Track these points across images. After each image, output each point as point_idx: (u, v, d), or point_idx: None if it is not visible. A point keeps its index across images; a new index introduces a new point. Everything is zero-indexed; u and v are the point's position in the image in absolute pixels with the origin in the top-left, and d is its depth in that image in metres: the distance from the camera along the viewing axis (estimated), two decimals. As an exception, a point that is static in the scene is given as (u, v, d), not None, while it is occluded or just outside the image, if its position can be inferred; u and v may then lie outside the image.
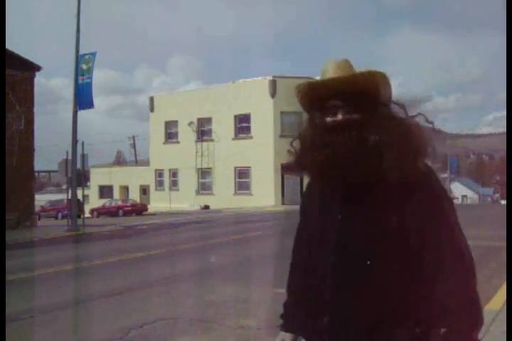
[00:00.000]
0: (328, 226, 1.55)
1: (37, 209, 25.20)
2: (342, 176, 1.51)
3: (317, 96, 1.57)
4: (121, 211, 30.93)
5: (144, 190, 38.04)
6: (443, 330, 1.39)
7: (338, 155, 1.49)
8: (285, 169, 1.70)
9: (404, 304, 1.45)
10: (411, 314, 1.46)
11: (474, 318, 1.42)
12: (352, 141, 1.49)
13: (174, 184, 35.29)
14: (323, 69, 1.58)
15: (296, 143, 1.63)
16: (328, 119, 1.55)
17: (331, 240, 1.53)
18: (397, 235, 1.47)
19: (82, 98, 17.65)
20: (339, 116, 1.53)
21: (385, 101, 1.56)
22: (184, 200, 33.14)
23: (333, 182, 1.56)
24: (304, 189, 1.78)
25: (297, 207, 1.81)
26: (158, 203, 34.42)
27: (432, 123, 1.61)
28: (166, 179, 35.95)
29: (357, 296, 1.47)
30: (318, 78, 1.60)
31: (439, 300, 1.41)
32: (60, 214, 31.76)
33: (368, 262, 1.47)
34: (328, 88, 1.53)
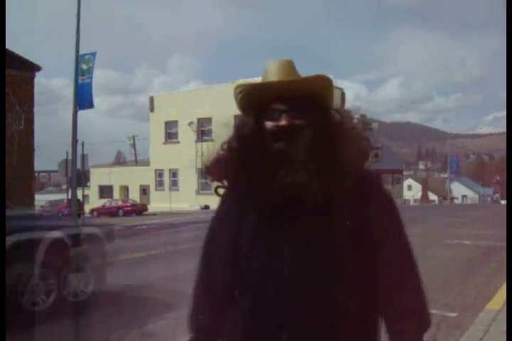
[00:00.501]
0: (273, 240, 1.40)
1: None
2: (283, 186, 1.36)
3: (260, 98, 1.45)
4: (121, 211, 30.95)
5: (144, 190, 38.06)
6: (397, 331, 1.40)
7: (281, 163, 1.36)
8: (205, 173, 1.55)
9: (361, 314, 1.41)
10: (368, 322, 1.44)
11: (426, 322, 1.43)
12: (295, 147, 1.38)
13: (174, 184, 35.31)
14: (265, 70, 1.48)
15: (225, 147, 1.49)
16: (269, 124, 1.43)
17: (280, 255, 1.37)
18: (351, 246, 1.39)
19: (82, 98, 17.66)
20: (283, 121, 1.41)
21: (329, 108, 1.49)
22: (184, 200, 33.15)
23: (273, 192, 1.38)
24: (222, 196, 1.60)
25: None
26: (158, 203, 34.43)
27: (369, 129, 1.54)
28: (166, 179, 35.97)
29: (314, 310, 1.36)
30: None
31: (395, 307, 1.40)
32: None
33: (323, 275, 1.37)
34: (274, 90, 1.42)
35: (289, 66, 1.47)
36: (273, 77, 1.44)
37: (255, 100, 1.46)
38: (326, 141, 1.39)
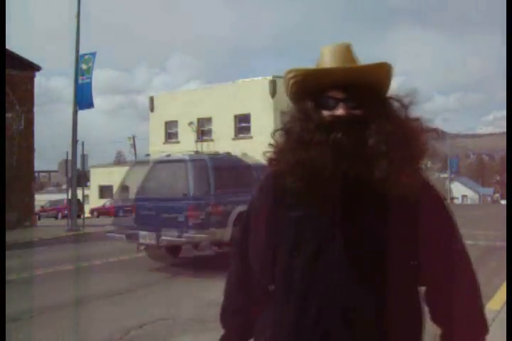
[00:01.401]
0: (322, 238, 1.32)
1: (37, 209, 25.20)
2: (339, 178, 1.28)
3: (315, 86, 1.35)
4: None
5: (144, 190, 37.98)
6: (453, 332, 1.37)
7: (337, 155, 1.27)
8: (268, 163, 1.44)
9: (410, 317, 1.36)
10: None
11: (485, 325, 1.40)
12: (353, 140, 1.28)
13: (174, 184, 35.25)
14: (321, 55, 1.38)
15: (279, 136, 1.41)
16: (326, 113, 1.34)
17: (330, 256, 1.30)
18: (407, 246, 1.32)
19: (82, 98, 17.65)
20: (340, 110, 1.32)
21: (389, 98, 1.39)
22: (184, 200, 33.09)
23: (326, 186, 1.28)
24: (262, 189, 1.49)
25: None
26: (158, 203, 34.35)
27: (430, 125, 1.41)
28: (166, 179, 35.91)
29: (367, 312, 1.29)
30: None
31: (453, 311, 1.36)
32: (60, 214, 31.76)
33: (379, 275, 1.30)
34: (331, 77, 1.32)
35: (348, 51, 1.37)
36: (330, 63, 1.34)
37: (311, 87, 1.36)
38: (397, 131, 1.30)
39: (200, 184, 7.92)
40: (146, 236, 8.04)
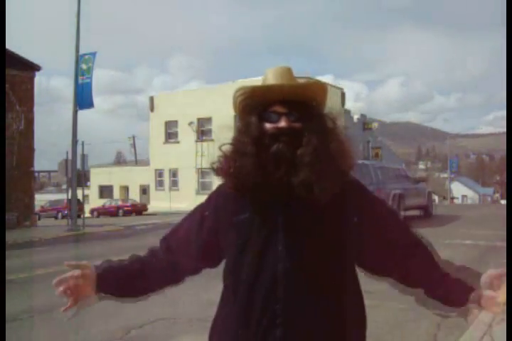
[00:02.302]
0: (267, 237, 1.43)
1: (37, 209, 25.22)
2: (280, 186, 1.43)
3: (260, 102, 1.51)
4: (121, 211, 30.95)
5: (144, 190, 38.03)
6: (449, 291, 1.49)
7: (280, 164, 1.42)
8: (216, 172, 1.58)
9: (354, 311, 1.50)
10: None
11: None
12: (291, 149, 1.43)
13: (174, 184, 35.29)
14: (265, 75, 1.55)
15: (226, 149, 1.54)
16: (269, 125, 1.49)
17: (275, 252, 1.41)
18: (345, 242, 1.47)
19: (82, 98, 17.66)
20: (282, 123, 1.47)
21: (323, 112, 1.56)
22: (184, 200, 33.11)
23: (269, 192, 1.44)
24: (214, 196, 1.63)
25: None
26: (158, 203, 34.41)
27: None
28: (166, 179, 35.95)
29: (310, 307, 1.39)
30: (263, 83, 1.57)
31: (432, 276, 1.54)
32: (60, 214, 31.78)
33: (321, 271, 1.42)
34: (274, 94, 1.49)
35: (288, 72, 1.55)
36: (274, 81, 1.52)
37: (256, 103, 1.52)
38: (325, 143, 1.46)
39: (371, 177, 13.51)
40: None
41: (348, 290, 1.45)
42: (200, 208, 1.63)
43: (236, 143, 1.52)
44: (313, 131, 1.46)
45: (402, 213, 14.24)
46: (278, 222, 1.44)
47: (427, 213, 16.79)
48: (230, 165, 1.49)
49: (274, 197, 1.44)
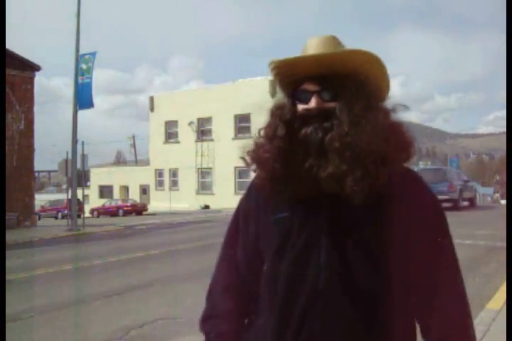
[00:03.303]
0: (307, 244, 1.21)
1: (37, 209, 25.20)
2: (311, 179, 1.19)
3: (291, 77, 1.27)
4: (121, 211, 30.93)
5: (144, 190, 38.02)
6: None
7: (309, 152, 1.19)
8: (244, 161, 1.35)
9: (400, 328, 1.23)
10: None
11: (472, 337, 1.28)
12: (323, 134, 1.19)
13: (174, 184, 35.27)
14: (304, 46, 1.28)
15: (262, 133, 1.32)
16: (301, 106, 1.25)
17: (316, 263, 1.20)
18: (394, 253, 1.21)
19: (82, 98, 17.65)
20: (312, 103, 1.23)
21: (374, 91, 1.26)
22: (184, 200, 33.12)
23: (303, 186, 1.21)
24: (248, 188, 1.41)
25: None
26: (158, 203, 34.39)
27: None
28: (166, 179, 35.93)
29: (350, 323, 1.18)
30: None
31: (443, 315, 1.24)
32: (60, 214, 31.76)
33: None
34: (305, 67, 1.23)
35: (330, 41, 1.27)
36: (309, 51, 1.26)
37: (288, 79, 1.29)
38: (362, 125, 1.18)
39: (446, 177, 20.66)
40: None
41: (395, 310, 1.20)
42: (240, 208, 1.42)
43: (267, 127, 1.29)
44: (349, 111, 1.19)
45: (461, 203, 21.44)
46: (321, 224, 1.21)
47: (472, 203, 23.84)
48: (259, 152, 1.27)
49: (312, 192, 1.20)
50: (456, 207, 21.06)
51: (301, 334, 1.18)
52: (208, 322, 1.41)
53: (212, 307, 1.41)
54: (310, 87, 1.24)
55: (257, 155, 1.28)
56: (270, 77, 1.34)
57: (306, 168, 1.18)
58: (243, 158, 1.32)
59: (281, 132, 1.23)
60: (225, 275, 1.42)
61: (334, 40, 1.28)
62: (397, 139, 1.22)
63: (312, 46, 1.26)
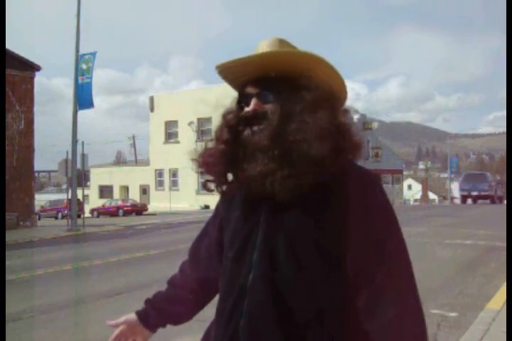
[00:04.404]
0: (245, 241, 1.24)
1: (37, 209, 25.20)
2: (249, 179, 1.21)
3: (238, 80, 1.29)
4: (121, 211, 30.93)
5: (144, 190, 38.03)
6: None
7: (245, 154, 1.21)
8: (196, 164, 1.44)
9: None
10: None
11: None
12: (257, 135, 1.19)
13: (174, 184, 35.28)
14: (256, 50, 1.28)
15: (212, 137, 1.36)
16: (246, 109, 1.27)
17: (249, 259, 1.21)
18: (323, 255, 1.16)
19: (82, 98, 17.65)
20: (250, 106, 1.24)
21: (321, 94, 1.21)
22: (184, 200, 33.13)
23: (244, 186, 1.24)
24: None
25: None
26: (158, 203, 34.41)
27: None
28: (166, 179, 35.94)
29: (268, 320, 1.17)
30: None
31: (390, 330, 1.14)
32: (60, 214, 31.77)
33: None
34: (248, 70, 1.23)
35: (275, 43, 1.27)
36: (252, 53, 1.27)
37: (236, 81, 1.31)
38: (293, 122, 1.17)
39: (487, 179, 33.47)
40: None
41: (321, 315, 1.15)
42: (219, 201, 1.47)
43: (217, 130, 1.32)
44: (281, 112, 1.19)
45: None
46: (258, 223, 1.22)
47: (493, 200, 31.88)
48: (204, 156, 1.33)
49: (256, 193, 1.21)
50: (492, 200, 30.03)
51: (228, 329, 1.21)
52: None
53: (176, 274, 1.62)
54: (250, 89, 1.26)
55: (202, 159, 1.34)
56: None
57: (244, 169, 1.20)
58: (193, 160, 1.38)
59: (225, 136, 1.26)
60: (196, 248, 1.58)
61: (280, 43, 1.27)
62: (342, 141, 1.19)
63: (257, 49, 1.26)
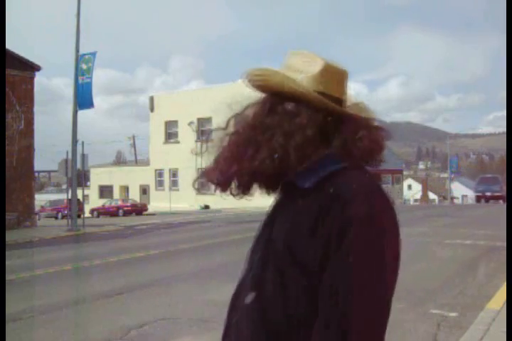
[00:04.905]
0: (255, 244, 1.31)
1: (37, 209, 25.21)
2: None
3: None
4: (121, 211, 30.94)
5: (144, 190, 38.04)
6: None
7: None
8: None
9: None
10: None
11: None
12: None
13: (174, 184, 35.29)
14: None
15: None
16: None
17: (252, 262, 1.27)
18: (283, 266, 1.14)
19: (82, 98, 17.65)
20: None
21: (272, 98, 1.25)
22: (184, 200, 33.13)
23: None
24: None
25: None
26: (158, 203, 34.41)
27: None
28: (166, 179, 35.95)
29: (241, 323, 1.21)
30: None
31: None
32: (60, 214, 31.78)
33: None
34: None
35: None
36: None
37: None
38: (240, 135, 1.27)
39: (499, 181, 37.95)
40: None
41: (298, 321, 1.11)
42: None
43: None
44: (236, 123, 1.33)
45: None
46: (264, 228, 1.30)
47: (504, 200, 32.96)
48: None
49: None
50: (504, 200, 32.33)
51: (225, 324, 1.28)
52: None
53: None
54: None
55: None
56: None
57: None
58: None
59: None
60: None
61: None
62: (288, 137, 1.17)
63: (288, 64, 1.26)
